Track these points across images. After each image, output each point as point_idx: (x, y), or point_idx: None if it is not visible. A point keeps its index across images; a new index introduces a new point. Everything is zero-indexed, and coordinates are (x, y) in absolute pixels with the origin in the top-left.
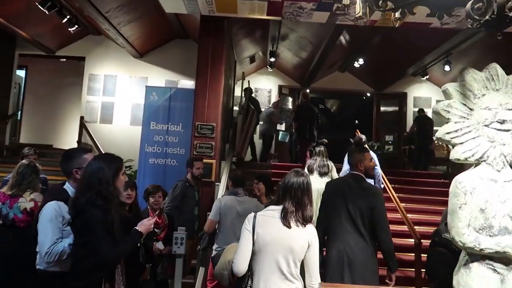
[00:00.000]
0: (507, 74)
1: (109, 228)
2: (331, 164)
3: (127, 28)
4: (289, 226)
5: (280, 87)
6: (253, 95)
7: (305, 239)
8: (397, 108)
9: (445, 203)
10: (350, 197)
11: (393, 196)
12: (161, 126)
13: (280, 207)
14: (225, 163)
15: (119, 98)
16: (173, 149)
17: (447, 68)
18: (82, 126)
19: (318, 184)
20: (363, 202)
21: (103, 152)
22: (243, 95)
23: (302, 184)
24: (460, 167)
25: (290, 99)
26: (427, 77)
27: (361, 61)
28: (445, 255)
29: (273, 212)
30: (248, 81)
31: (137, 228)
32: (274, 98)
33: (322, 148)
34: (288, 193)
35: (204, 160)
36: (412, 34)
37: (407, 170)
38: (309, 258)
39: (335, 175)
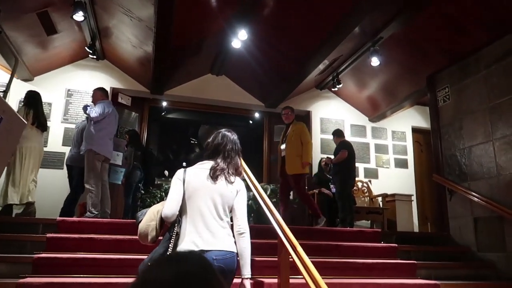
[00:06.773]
0: None
1: None
2: None
3: None
4: (215, 181)
5: (116, 92)
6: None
7: (233, 189)
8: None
9: None
10: None
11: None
12: None
13: (211, 163)
14: None
15: None
16: None
17: (375, 61)
18: None
19: None
20: None
21: None
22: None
23: (234, 142)
24: None
25: (134, 115)
26: (339, 86)
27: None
28: None
29: (204, 165)
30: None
31: None
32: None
33: None
34: (221, 151)
35: None
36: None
37: (320, 228)
38: (237, 204)
39: None
